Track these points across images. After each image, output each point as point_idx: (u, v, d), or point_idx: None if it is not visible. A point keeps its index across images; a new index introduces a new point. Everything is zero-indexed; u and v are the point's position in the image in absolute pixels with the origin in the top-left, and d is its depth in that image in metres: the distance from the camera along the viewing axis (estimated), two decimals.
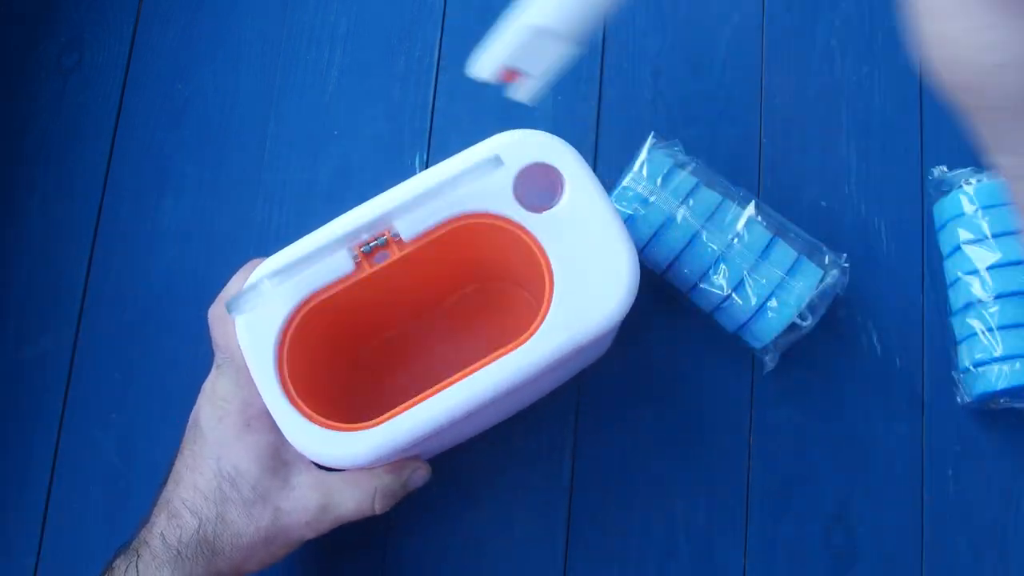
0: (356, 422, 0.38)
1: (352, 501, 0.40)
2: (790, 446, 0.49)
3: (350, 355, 0.47)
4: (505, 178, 0.39)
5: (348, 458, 0.38)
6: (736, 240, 0.47)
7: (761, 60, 0.53)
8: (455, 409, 0.37)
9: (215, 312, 0.41)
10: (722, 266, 0.47)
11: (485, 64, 0.37)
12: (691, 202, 0.48)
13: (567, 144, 0.40)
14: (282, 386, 0.38)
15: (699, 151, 0.50)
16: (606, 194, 0.40)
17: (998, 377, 0.46)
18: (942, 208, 0.50)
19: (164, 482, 0.41)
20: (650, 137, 0.49)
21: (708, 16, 0.54)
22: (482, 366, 0.38)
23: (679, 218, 0.47)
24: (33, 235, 0.52)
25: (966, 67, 0.24)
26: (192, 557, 0.38)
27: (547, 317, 0.38)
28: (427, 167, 0.42)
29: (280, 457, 0.40)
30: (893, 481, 0.48)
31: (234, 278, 0.41)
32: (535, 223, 0.39)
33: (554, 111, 0.53)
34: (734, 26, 0.54)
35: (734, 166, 0.52)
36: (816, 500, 0.48)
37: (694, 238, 0.47)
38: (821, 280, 0.47)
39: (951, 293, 0.49)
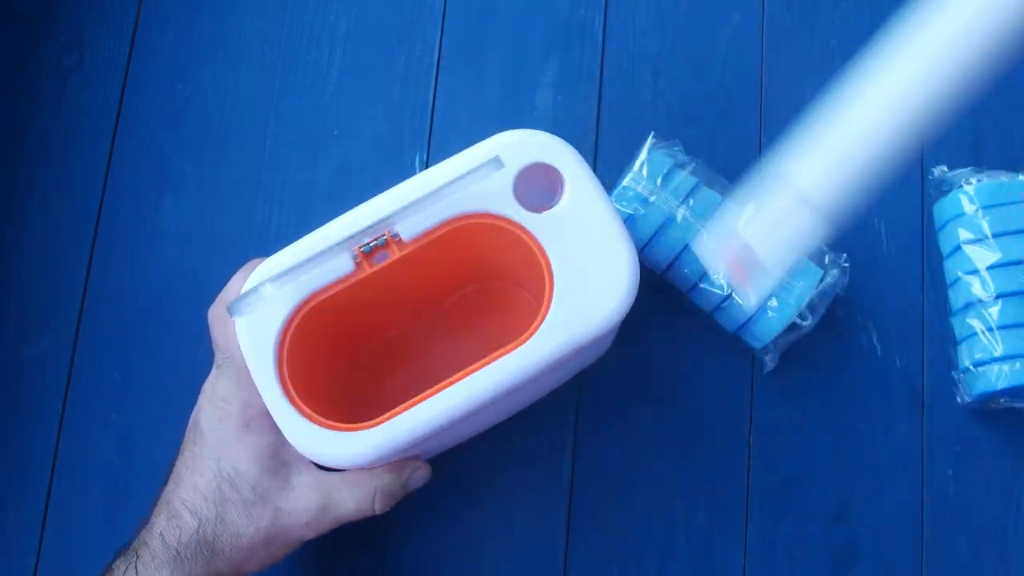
0: (356, 422, 0.38)
1: (352, 501, 0.40)
2: (790, 446, 0.49)
3: (350, 355, 0.47)
4: (505, 178, 0.39)
5: (348, 458, 0.38)
6: None
7: (761, 60, 0.53)
8: (455, 409, 0.37)
9: (215, 312, 0.41)
10: None
11: (717, 240, 0.32)
12: (691, 202, 0.48)
13: (567, 144, 0.40)
14: (282, 386, 0.38)
15: (699, 151, 0.50)
16: (606, 194, 0.40)
17: (998, 377, 0.46)
18: (942, 208, 0.50)
19: (164, 482, 0.40)
20: (650, 137, 0.49)
21: (708, 16, 0.54)
22: (482, 366, 0.38)
23: (679, 218, 0.47)
24: (33, 235, 0.52)
25: None
26: (191, 557, 0.38)
27: (547, 317, 0.38)
28: (427, 167, 0.42)
29: (280, 457, 0.40)
30: (893, 481, 0.48)
31: (234, 278, 0.41)
32: (535, 223, 0.39)
33: (554, 111, 0.53)
34: (734, 26, 0.54)
35: (734, 166, 0.51)
36: (816, 500, 0.48)
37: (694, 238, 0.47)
38: (821, 280, 0.47)
39: (951, 293, 0.49)
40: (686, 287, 0.48)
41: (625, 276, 0.39)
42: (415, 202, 0.38)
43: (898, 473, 0.48)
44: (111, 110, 0.54)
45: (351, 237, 0.39)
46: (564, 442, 0.49)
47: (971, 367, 0.47)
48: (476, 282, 0.47)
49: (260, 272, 0.39)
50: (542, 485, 0.48)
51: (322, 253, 0.38)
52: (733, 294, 0.47)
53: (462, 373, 0.38)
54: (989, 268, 0.47)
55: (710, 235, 0.33)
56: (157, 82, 0.54)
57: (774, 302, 0.47)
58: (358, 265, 0.39)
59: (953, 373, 0.49)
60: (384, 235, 0.39)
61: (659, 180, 0.48)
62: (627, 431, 0.49)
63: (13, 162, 0.53)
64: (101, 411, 0.50)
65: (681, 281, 0.48)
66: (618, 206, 0.48)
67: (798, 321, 0.47)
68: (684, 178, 0.48)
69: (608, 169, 0.52)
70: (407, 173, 0.52)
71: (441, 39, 0.54)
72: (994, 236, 0.47)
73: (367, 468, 0.40)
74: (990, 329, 0.47)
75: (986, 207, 0.48)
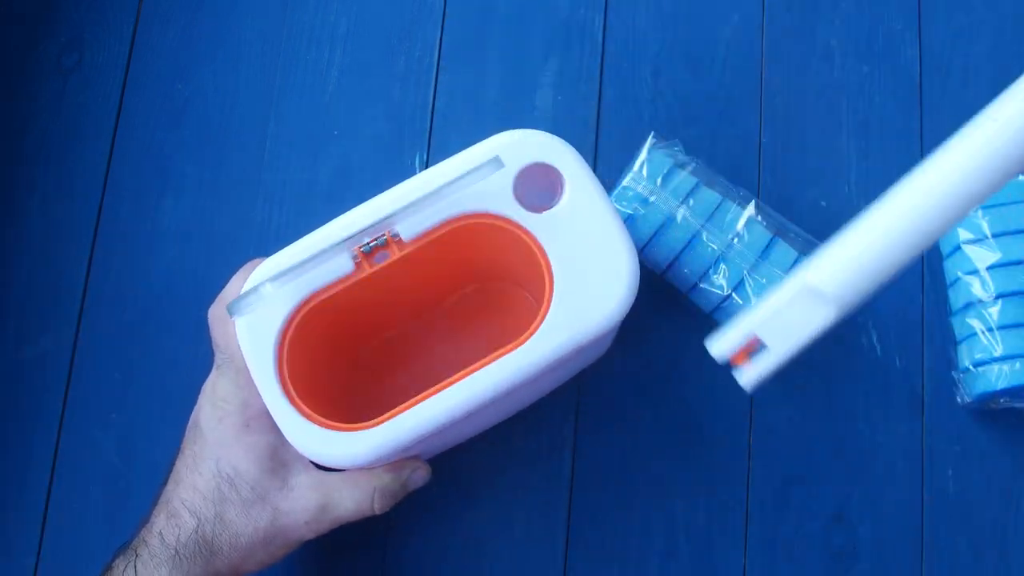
0: (356, 422, 0.38)
1: (351, 501, 0.40)
2: (790, 446, 0.49)
3: (350, 355, 0.47)
4: (505, 178, 0.39)
5: (348, 458, 0.38)
6: (736, 240, 0.47)
7: (761, 60, 0.53)
8: (455, 409, 0.37)
9: (215, 312, 0.41)
10: (722, 266, 0.47)
11: (731, 335, 0.34)
12: (691, 202, 0.48)
13: (567, 144, 0.40)
14: (282, 386, 0.38)
15: (699, 151, 0.50)
16: (606, 194, 0.40)
17: (998, 377, 0.46)
18: None
19: (164, 482, 0.41)
20: (650, 137, 0.49)
21: (708, 16, 0.54)
22: (482, 366, 0.38)
23: (679, 218, 0.47)
24: (33, 235, 0.52)
25: None
26: (190, 557, 0.38)
27: (547, 317, 0.38)
28: (427, 167, 0.42)
29: (279, 458, 0.40)
30: (893, 481, 0.48)
31: (234, 278, 0.41)
32: (535, 223, 0.39)
33: (554, 111, 0.53)
34: (734, 26, 0.54)
35: (734, 166, 0.52)
36: (816, 500, 0.48)
37: (694, 238, 0.47)
38: None
39: (951, 293, 0.49)
40: (686, 287, 0.48)
41: (625, 276, 0.39)
42: (415, 202, 0.38)
43: (898, 473, 0.48)
44: (111, 110, 0.54)
45: (351, 237, 0.39)
46: (564, 442, 0.49)
47: (971, 367, 0.47)
48: (476, 282, 0.47)
49: (260, 272, 0.39)
50: (542, 485, 0.48)
51: (322, 253, 0.38)
52: (733, 294, 0.47)
53: (462, 373, 0.38)
54: (989, 268, 0.47)
55: (720, 336, 0.35)
56: (157, 82, 0.54)
57: None
58: (358, 265, 0.39)
59: (953, 373, 0.49)
60: (384, 235, 0.39)
61: (659, 180, 0.48)
62: (627, 431, 0.49)
63: (13, 162, 0.53)
64: (101, 411, 0.50)
65: (681, 281, 0.48)
66: (618, 206, 0.48)
67: None
68: (684, 178, 0.48)
69: (608, 169, 0.52)
70: (407, 173, 0.52)
71: (441, 39, 0.54)
72: (994, 236, 0.47)
73: (367, 468, 0.40)
74: (990, 329, 0.47)
75: (986, 207, 0.48)
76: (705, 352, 0.50)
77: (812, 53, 0.53)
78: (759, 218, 0.48)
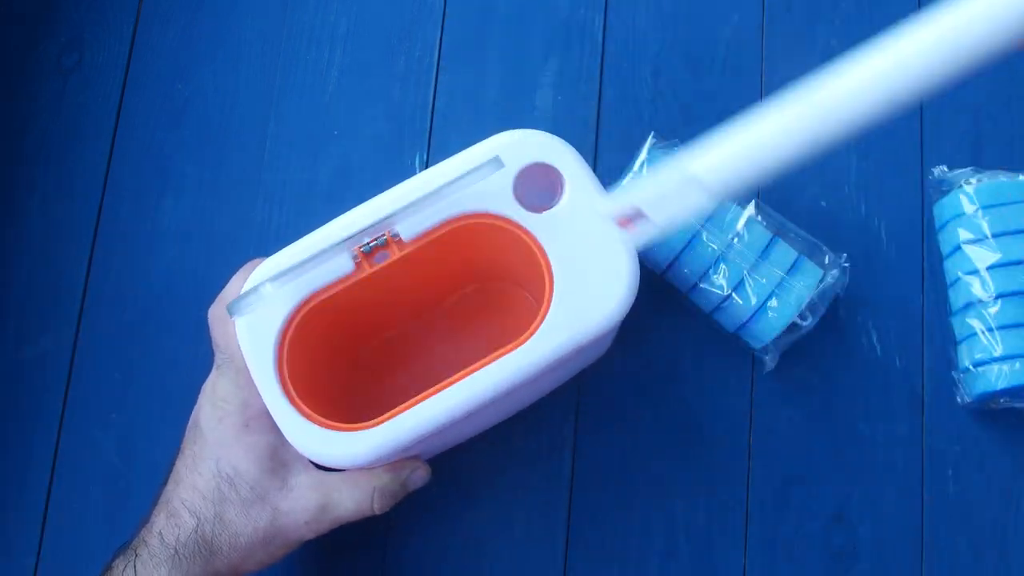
0: (356, 422, 0.38)
1: (351, 501, 0.40)
2: (790, 446, 0.49)
3: (350, 355, 0.47)
4: (505, 178, 0.39)
5: (348, 458, 0.38)
6: (736, 240, 0.47)
7: (761, 60, 0.53)
8: (455, 409, 0.37)
9: (215, 312, 0.41)
10: (722, 266, 0.47)
11: (617, 201, 0.38)
12: None
13: (567, 144, 0.40)
14: (282, 386, 0.38)
15: None
16: (606, 194, 0.40)
17: (998, 377, 0.46)
18: (942, 208, 0.50)
19: (164, 482, 0.41)
20: (650, 137, 0.49)
21: (708, 16, 0.54)
22: (482, 366, 0.38)
23: None
24: (33, 235, 0.52)
25: None
26: (190, 557, 0.38)
27: (547, 317, 0.38)
28: (427, 167, 0.42)
29: (279, 458, 0.40)
30: (893, 481, 0.48)
31: (234, 278, 0.41)
32: (535, 223, 0.39)
33: (554, 111, 0.53)
34: (734, 26, 0.54)
35: None
36: (816, 500, 0.48)
37: (694, 238, 0.47)
38: (821, 280, 0.47)
39: (951, 293, 0.49)
40: (686, 287, 0.48)
41: (625, 276, 0.39)
42: (415, 202, 0.38)
43: (898, 473, 0.48)
44: (111, 110, 0.54)
45: (351, 237, 0.39)
46: (564, 442, 0.49)
47: (971, 367, 0.47)
48: (476, 282, 0.47)
49: (260, 272, 0.39)
50: (542, 485, 0.48)
51: (322, 253, 0.38)
52: (733, 294, 0.47)
53: (462, 373, 0.38)
54: (989, 268, 0.47)
55: (607, 197, 0.39)
56: (157, 82, 0.54)
57: (774, 302, 0.47)
58: (358, 265, 0.39)
59: (953, 373, 0.49)
60: (384, 235, 0.39)
61: None
62: (627, 431, 0.49)
63: (13, 162, 0.53)
64: (101, 411, 0.50)
65: (681, 281, 0.48)
66: None
67: (798, 321, 0.47)
68: None
69: (608, 169, 0.52)
70: (407, 173, 0.51)
71: (441, 39, 0.54)
72: (994, 236, 0.47)
73: (366, 468, 0.40)
74: (990, 329, 0.47)
75: (986, 207, 0.48)
76: (705, 352, 0.50)
77: (812, 53, 0.53)
78: (759, 218, 0.48)
